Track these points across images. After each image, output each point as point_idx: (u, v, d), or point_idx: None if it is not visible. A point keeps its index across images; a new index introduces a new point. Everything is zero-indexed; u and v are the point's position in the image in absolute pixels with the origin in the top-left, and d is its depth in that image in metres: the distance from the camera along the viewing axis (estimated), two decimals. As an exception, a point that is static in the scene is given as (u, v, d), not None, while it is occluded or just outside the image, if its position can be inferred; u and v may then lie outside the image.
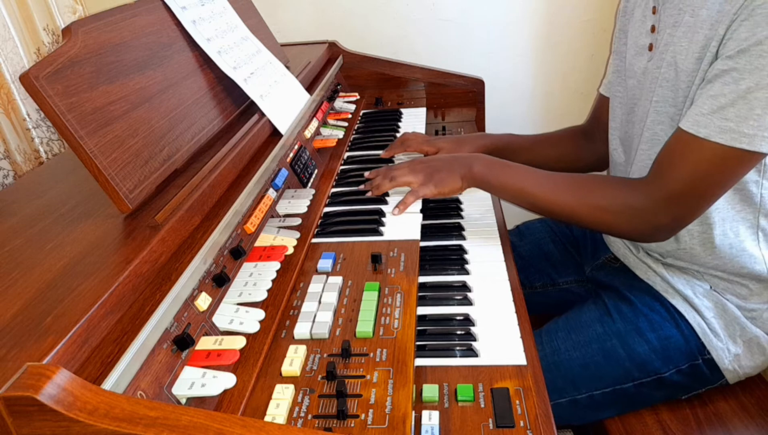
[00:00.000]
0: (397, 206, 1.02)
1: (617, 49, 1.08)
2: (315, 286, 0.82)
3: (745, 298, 0.95)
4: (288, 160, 1.07)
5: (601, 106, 1.21)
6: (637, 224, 0.89)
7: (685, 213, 0.87)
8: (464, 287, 0.89)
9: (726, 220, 0.92)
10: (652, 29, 0.95)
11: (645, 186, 0.88)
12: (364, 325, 0.73)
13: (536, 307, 1.23)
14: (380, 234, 0.95)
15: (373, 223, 0.98)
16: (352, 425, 0.60)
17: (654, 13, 0.94)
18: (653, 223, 0.88)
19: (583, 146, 1.27)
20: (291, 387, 0.64)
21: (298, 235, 0.90)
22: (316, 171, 1.16)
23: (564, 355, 0.96)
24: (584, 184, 0.93)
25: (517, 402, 0.68)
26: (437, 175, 1.01)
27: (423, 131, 1.41)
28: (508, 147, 1.27)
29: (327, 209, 1.05)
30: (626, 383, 0.95)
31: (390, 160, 1.26)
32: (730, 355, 0.94)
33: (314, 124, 1.27)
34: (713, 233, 0.92)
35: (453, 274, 0.93)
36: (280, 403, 0.62)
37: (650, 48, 0.95)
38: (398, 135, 1.36)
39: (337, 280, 0.83)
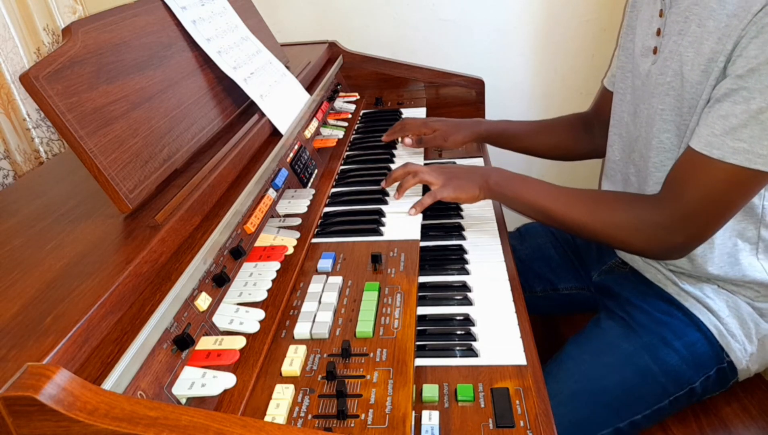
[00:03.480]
0: (413, 206, 1.03)
1: (624, 45, 1.06)
2: (315, 286, 0.82)
3: (753, 299, 0.95)
4: (288, 160, 1.07)
5: (603, 99, 1.21)
6: (650, 243, 0.88)
7: (698, 233, 0.85)
8: (464, 287, 0.89)
9: (726, 231, 0.91)
10: (658, 32, 0.93)
11: (658, 205, 0.87)
12: (364, 325, 0.73)
13: (537, 310, 1.23)
14: (380, 234, 0.95)
15: (373, 223, 0.98)
16: (352, 425, 0.60)
17: (661, 16, 0.93)
18: (666, 242, 0.87)
19: (579, 136, 1.28)
20: (291, 387, 0.64)
21: (298, 235, 0.90)
22: (316, 171, 1.16)
23: (599, 382, 0.91)
24: (598, 200, 0.93)
25: (517, 402, 0.68)
26: (457, 181, 1.02)
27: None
28: (504, 134, 1.30)
29: (327, 209, 1.05)
30: (663, 401, 0.92)
31: (391, 146, 1.31)
32: (746, 354, 0.93)
33: (314, 124, 1.27)
34: (714, 244, 0.91)
35: (453, 274, 0.93)
36: (280, 403, 0.62)
37: (654, 51, 0.94)
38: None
39: (337, 280, 0.83)
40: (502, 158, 1.49)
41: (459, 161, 1.35)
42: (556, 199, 0.95)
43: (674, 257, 0.92)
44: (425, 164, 1.14)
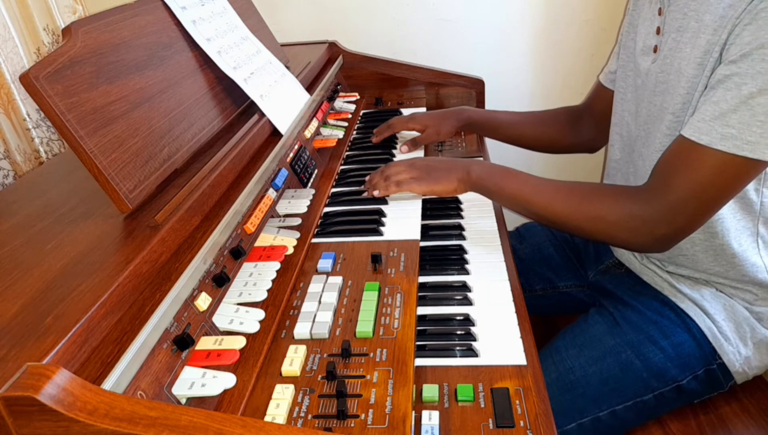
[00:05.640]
0: (377, 188, 1.04)
1: (625, 44, 1.06)
2: (315, 286, 0.82)
3: (751, 302, 0.95)
4: (288, 160, 1.07)
5: (597, 94, 1.22)
6: (636, 235, 0.86)
7: (686, 224, 0.84)
8: (464, 287, 0.89)
9: (729, 230, 0.90)
10: (657, 31, 0.93)
11: (645, 195, 0.85)
12: (364, 325, 0.73)
13: (536, 310, 1.23)
14: (380, 234, 0.95)
15: (373, 223, 0.98)
16: (352, 425, 0.60)
17: (660, 14, 0.93)
18: (652, 233, 0.85)
19: (566, 129, 1.28)
20: (291, 387, 0.64)
21: (298, 235, 0.90)
22: (316, 171, 1.16)
23: (579, 372, 0.93)
24: (583, 193, 0.91)
25: (517, 402, 0.68)
26: (433, 173, 1.01)
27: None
28: (489, 123, 1.32)
29: (327, 209, 1.05)
30: (646, 395, 0.92)
31: (391, 145, 1.32)
32: (740, 358, 0.93)
33: (314, 124, 1.27)
34: (716, 242, 0.91)
35: (453, 274, 0.93)
36: (280, 403, 0.62)
37: (655, 50, 0.94)
38: (398, 135, 1.37)
39: (337, 280, 0.83)
40: (503, 155, 1.49)
41: None
42: (540, 192, 0.93)
43: (658, 250, 0.90)
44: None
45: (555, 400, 0.90)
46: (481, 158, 1.36)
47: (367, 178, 1.10)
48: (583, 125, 1.26)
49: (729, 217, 0.90)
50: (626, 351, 0.93)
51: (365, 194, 1.07)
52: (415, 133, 1.33)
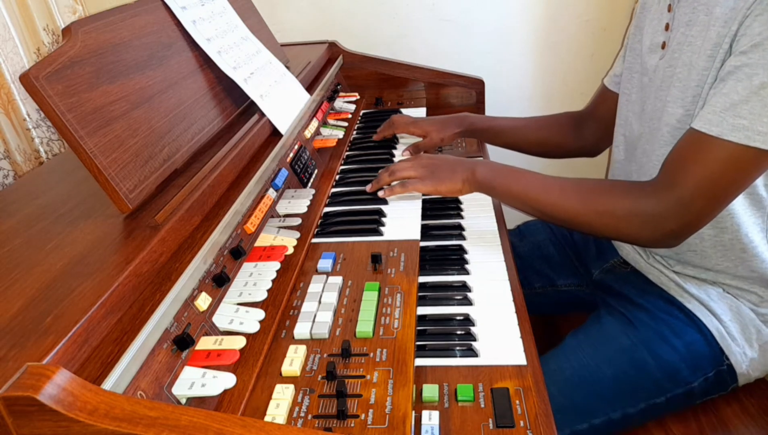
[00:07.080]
0: (383, 188, 1.04)
1: (631, 46, 1.06)
2: (315, 286, 0.82)
3: (757, 304, 0.94)
4: (288, 160, 1.07)
5: (601, 98, 1.22)
6: (646, 230, 0.86)
7: (696, 218, 0.83)
8: (464, 287, 0.89)
9: (740, 225, 0.90)
10: (666, 27, 0.93)
11: (654, 190, 0.85)
12: (364, 325, 0.73)
13: (536, 308, 1.23)
14: (380, 234, 0.95)
15: (373, 223, 0.98)
16: (352, 425, 0.60)
17: (669, 10, 0.93)
18: (662, 228, 0.84)
19: (569, 133, 1.28)
20: (291, 387, 0.64)
21: (298, 235, 0.90)
22: (316, 171, 1.16)
23: (594, 369, 0.92)
24: (591, 189, 0.91)
25: (517, 402, 0.68)
26: (438, 173, 1.01)
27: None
28: (490, 129, 1.32)
29: (327, 209, 1.05)
30: (659, 397, 0.91)
31: (391, 145, 1.33)
32: (746, 359, 0.92)
33: (314, 124, 1.27)
34: (725, 237, 0.91)
35: (453, 274, 0.93)
36: (280, 403, 0.62)
37: (663, 46, 0.94)
38: (399, 136, 1.37)
39: (337, 280, 0.83)
40: (502, 155, 1.48)
41: None
42: (547, 190, 0.93)
43: (667, 245, 0.89)
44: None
45: (567, 397, 0.89)
46: (481, 158, 1.36)
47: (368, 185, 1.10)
48: (586, 129, 1.26)
49: (740, 212, 0.89)
50: (641, 350, 0.92)
51: (369, 188, 1.07)
52: (417, 138, 1.32)
